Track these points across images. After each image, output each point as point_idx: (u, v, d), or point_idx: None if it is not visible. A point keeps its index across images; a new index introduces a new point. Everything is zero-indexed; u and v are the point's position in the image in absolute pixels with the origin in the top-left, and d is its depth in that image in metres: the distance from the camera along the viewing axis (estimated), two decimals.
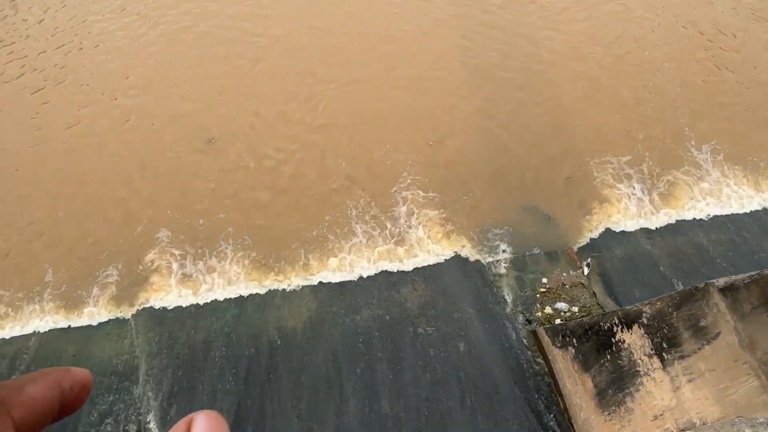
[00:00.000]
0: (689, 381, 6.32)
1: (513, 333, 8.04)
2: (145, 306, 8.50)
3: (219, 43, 12.84)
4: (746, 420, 5.86)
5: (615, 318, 6.90)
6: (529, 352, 7.81)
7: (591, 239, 9.22)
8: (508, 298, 8.48)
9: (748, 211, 9.67)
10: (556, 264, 8.84)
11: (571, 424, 7.05)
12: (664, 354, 6.52)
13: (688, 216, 9.55)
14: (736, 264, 8.68)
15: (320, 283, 8.69)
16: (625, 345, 6.75)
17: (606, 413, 6.61)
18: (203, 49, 12.72)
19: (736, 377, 6.08)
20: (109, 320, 8.38)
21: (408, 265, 8.88)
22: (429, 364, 7.70)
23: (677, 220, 9.49)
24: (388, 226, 9.40)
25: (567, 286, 8.52)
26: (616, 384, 6.65)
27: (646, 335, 6.69)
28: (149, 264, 8.96)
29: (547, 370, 7.58)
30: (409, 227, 9.38)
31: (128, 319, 8.39)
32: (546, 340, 7.57)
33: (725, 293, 6.32)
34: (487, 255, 9.04)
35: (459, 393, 7.42)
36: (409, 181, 10.02)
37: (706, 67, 12.29)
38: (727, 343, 6.21)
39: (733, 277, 6.44)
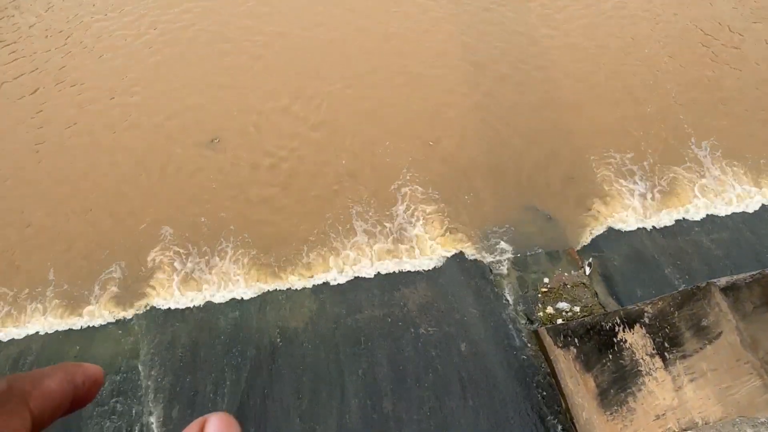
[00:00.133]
0: (691, 381, 6.33)
1: (514, 333, 8.05)
2: (147, 306, 8.50)
3: (220, 41, 12.80)
4: (748, 420, 5.87)
5: (617, 318, 6.90)
6: (531, 352, 7.82)
7: (592, 238, 9.21)
8: (510, 298, 8.48)
9: (749, 210, 9.65)
10: (557, 263, 8.84)
11: (573, 424, 7.06)
12: (665, 353, 6.52)
13: (690, 215, 9.54)
14: (737, 263, 8.68)
15: (322, 283, 8.69)
16: (627, 345, 6.76)
17: (608, 413, 6.62)
18: (204, 48, 12.69)
19: (738, 377, 6.09)
20: (112, 321, 8.39)
21: (409, 265, 8.88)
22: (430, 365, 7.70)
23: (679, 219, 9.48)
24: (389, 225, 9.39)
25: (568, 286, 8.52)
26: (618, 384, 6.66)
27: (647, 335, 6.69)
28: (151, 264, 8.95)
29: (548, 370, 7.59)
30: (410, 226, 9.37)
31: (130, 319, 8.39)
32: (548, 340, 7.57)
33: (727, 293, 6.32)
34: (488, 254, 9.03)
35: (461, 393, 7.43)
36: (409, 179, 10.01)
37: (707, 64, 12.26)
38: (728, 342, 6.21)
39: (735, 277, 6.44)
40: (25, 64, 12.45)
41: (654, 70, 12.12)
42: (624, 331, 6.80)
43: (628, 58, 12.38)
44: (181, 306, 8.50)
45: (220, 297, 8.60)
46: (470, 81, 11.88)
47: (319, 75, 11.97)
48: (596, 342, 6.96)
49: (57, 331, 8.30)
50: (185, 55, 12.55)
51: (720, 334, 6.26)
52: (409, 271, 8.80)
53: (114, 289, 8.69)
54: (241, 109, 11.31)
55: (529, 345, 7.91)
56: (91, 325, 8.33)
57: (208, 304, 8.51)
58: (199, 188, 9.97)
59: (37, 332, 8.29)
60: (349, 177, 10.09)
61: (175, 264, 8.95)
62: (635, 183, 9.98)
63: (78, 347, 8.10)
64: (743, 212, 9.61)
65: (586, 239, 9.22)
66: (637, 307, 6.84)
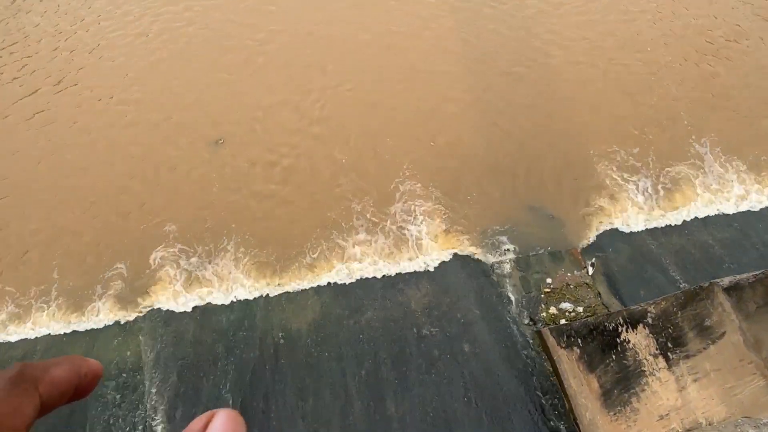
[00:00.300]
0: (695, 381, 6.33)
1: (518, 333, 8.04)
2: (150, 307, 8.50)
3: (220, 40, 12.77)
4: (750, 420, 5.86)
5: (620, 318, 6.90)
6: (534, 353, 7.81)
7: (595, 239, 9.20)
8: (513, 299, 8.48)
9: (753, 210, 9.63)
10: (560, 264, 8.83)
11: (576, 424, 7.06)
12: (669, 354, 6.52)
13: (693, 215, 9.52)
14: (741, 263, 8.66)
15: (324, 284, 8.68)
16: (630, 345, 6.76)
17: (611, 413, 6.62)
18: (204, 47, 12.66)
19: (741, 377, 6.08)
20: (115, 322, 8.39)
21: (412, 266, 8.87)
22: (434, 365, 7.70)
23: (682, 220, 9.45)
24: (391, 224, 9.38)
25: (571, 286, 8.52)
26: (622, 384, 6.66)
27: (651, 335, 6.69)
28: (154, 265, 8.95)
29: (552, 370, 7.59)
30: (412, 226, 9.36)
31: (133, 320, 8.39)
32: (551, 341, 7.57)
33: (730, 292, 6.31)
34: (490, 255, 9.03)
35: (464, 393, 7.43)
36: (411, 178, 9.99)
37: (708, 61, 12.22)
38: (732, 342, 6.20)
39: (738, 277, 6.43)
40: (25, 64, 12.43)
41: (655, 68, 12.10)
42: (627, 332, 6.80)
43: (629, 57, 12.34)
44: (184, 306, 8.50)
45: (223, 297, 8.60)
46: (471, 78, 11.86)
47: (320, 73, 11.95)
48: (599, 342, 6.96)
49: (61, 333, 8.30)
50: (185, 53, 12.52)
51: (723, 334, 6.25)
52: (411, 272, 8.79)
53: (118, 291, 8.69)
54: (242, 107, 11.30)
55: (532, 345, 7.91)
56: (94, 328, 8.33)
57: (211, 305, 8.51)
58: (201, 186, 9.96)
59: (42, 335, 8.29)
60: (351, 175, 10.08)
61: (178, 263, 8.95)
62: (638, 182, 9.96)
63: (81, 349, 8.10)
64: (747, 211, 9.59)
65: (588, 239, 9.21)
66: (640, 307, 6.84)
